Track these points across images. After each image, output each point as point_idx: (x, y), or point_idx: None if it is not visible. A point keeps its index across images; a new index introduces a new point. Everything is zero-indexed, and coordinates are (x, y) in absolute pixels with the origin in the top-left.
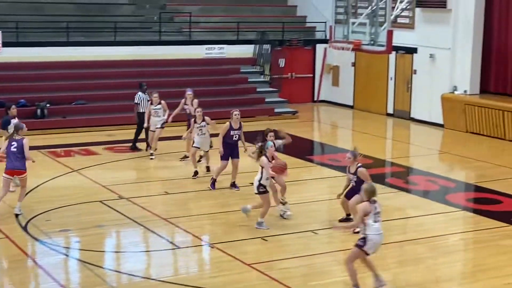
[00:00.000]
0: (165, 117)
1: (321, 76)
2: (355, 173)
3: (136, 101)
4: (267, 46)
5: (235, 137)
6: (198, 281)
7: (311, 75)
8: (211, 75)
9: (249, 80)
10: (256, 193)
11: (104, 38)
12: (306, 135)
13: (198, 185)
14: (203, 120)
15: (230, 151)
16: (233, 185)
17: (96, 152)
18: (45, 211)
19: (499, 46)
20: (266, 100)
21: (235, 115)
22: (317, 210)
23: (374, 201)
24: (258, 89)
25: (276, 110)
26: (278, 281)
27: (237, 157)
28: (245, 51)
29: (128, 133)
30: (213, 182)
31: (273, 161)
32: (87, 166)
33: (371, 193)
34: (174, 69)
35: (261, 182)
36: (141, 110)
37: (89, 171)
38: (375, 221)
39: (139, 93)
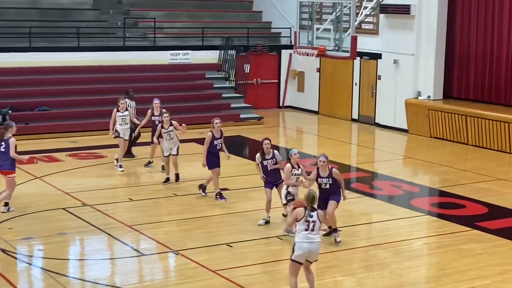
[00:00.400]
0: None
1: (286, 81)
2: (328, 176)
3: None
4: (232, 52)
5: (219, 146)
6: None
7: (277, 81)
8: (176, 81)
9: (214, 86)
10: (284, 203)
11: (67, 44)
12: (272, 141)
13: (163, 192)
14: (171, 124)
15: (217, 159)
16: (204, 188)
17: (59, 159)
18: (8, 219)
19: (462, 52)
20: (232, 105)
21: (217, 123)
22: (283, 216)
23: (312, 209)
24: (223, 95)
25: (241, 116)
26: (243, 287)
27: (219, 165)
28: (210, 56)
29: (92, 140)
30: (204, 187)
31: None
32: (50, 173)
33: (310, 200)
34: (138, 75)
35: (289, 190)
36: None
37: (52, 178)
38: (306, 229)
39: (126, 99)
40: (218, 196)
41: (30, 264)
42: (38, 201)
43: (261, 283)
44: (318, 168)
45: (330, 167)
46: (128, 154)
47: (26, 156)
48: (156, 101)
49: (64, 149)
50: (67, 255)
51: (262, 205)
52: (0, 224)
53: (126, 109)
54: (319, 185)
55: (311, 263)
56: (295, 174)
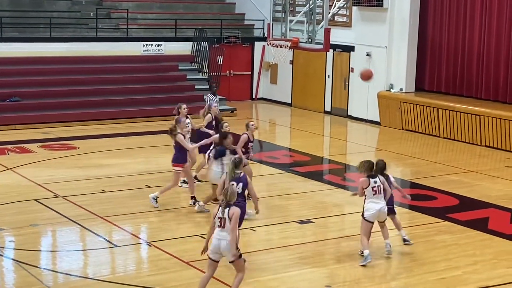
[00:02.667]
0: None
1: (259, 73)
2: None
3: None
4: (205, 44)
5: (250, 149)
6: (135, 279)
7: (249, 73)
8: (149, 72)
9: (187, 77)
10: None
11: (39, 34)
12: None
13: (135, 183)
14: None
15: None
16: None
17: (31, 150)
18: None
19: (434, 45)
20: (205, 97)
21: (252, 125)
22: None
23: (227, 204)
24: (196, 87)
25: None
26: (217, 279)
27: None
28: (183, 48)
29: (64, 131)
30: None
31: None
32: (22, 164)
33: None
34: (111, 66)
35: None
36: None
37: (24, 169)
38: (219, 226)
39: (209, 95)
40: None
41: (1, 255)
42: (10, 192)
43: (233, 275)
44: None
45: None
46: None
47: None
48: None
49: (36, 140)
50: (39, 247)
51: None
52: None
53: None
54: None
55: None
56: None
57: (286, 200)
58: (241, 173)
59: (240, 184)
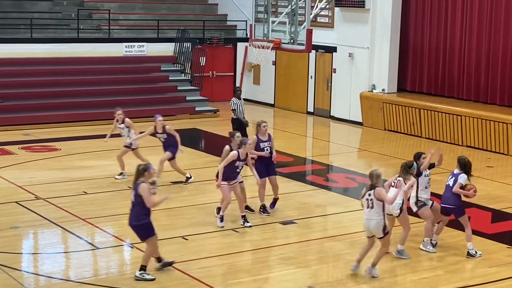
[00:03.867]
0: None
1: (242, 74)
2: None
3: (232, 107)
4: (187, 44)
5: (267, 149)
6: (118, 282)
7: (232, 74)
8: (131, 73)
9: (170, 78)
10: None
11: (20, 35)
12: (227, 133)
13: (117, 185)
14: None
15: (265, 167)
16: (264, 207)
17: (11, 152)
18: None
19: (416, 46)
20: (187, 98)
21: (263, 126)
22: (237, 209)
23: (372, 186)
24: (179, 88)
25: (197, 109)
26: (199, 280)
27: (274, 173)
28: (166, 49)
29: (45, 132)
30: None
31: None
32: (2, 166)
33: (374, 178)
34: (93, 67)
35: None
36: (238, 115)
37: (5, 171)
38: (367, 206)
39: (233, 99)
40: (261, 210)
41: None
42: None
43: (217, 276)
44: None
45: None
46: None
47: None
48: (159, 118)
49: (17, 141)
50: (20, 249)
51: (218, 198)
52: None
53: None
54: None
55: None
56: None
57: (269, 201)
58: (140, 182)
59: (133, 192)
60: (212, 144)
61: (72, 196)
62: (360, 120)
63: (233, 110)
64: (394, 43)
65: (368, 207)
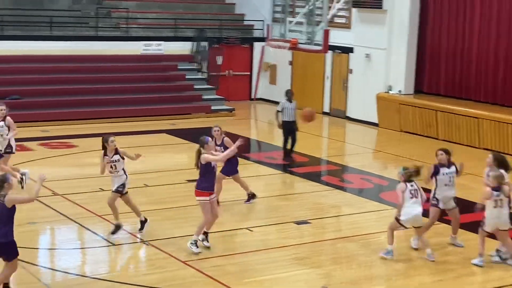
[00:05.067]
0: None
1: (258, 74)
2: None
3: (278, 109)
4: (204, 44)
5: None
6: (133, 278)
7: (249, 73)
8: (149, 71)
9: (186, 77)
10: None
11: (40, 33)
12: (242, 132)
13: (134, 182)
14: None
15: (230, 166)
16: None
17: (30, 148)
18: None
19: (433, 47)
20: (203, 97)
21: (216, 131)
22: (252, 208)
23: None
24: (195, 86)
25: (213, 108)
26: (213, 278)
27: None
28: (183, 48)
29: (63, 129)
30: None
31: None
32: (21, 162)
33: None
34: (111, 65)
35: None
36: (285, 119)
37: (23, 167)
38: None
39: (283, 100)
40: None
41: None
42: None
43: (231, 274)
44: None
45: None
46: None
47: None
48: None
49: (35, 138)
50: (37, 244)
51: (233, 196)
52: None
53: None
54: None
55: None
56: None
57: (283, 200)
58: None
59: None
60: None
61: (88, 192)
62: (376, 121)
63: (278, 111)
64: (412, 44)
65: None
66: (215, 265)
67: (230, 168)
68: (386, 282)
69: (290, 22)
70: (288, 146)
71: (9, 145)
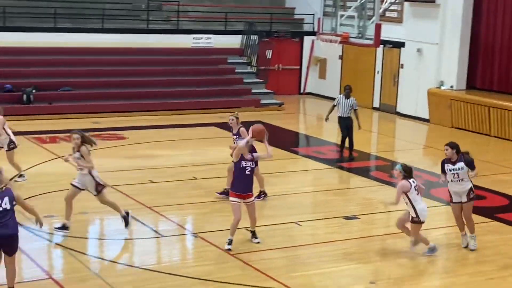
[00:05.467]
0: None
1: (308, 68)
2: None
3: (334, 102)
4: (254, 37)
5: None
6: (180, 269)
7: (298, 67)
8: (198, 64)
9: (236, 70)
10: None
11: (91, 25)
12: (291, 127)
13: (183, 175)
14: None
15: None
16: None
17: None
18: (30, 197)
19: (487, 43)
20: (253, 91)
21: (231, 120)
22: (301, 202)
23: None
24: (245, 80)
25: (262, 101)
26: (261, 272)
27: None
28: (233, 41)
29: (114, 121)
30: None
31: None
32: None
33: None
34: (161, 58)
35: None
36: (339, 114)
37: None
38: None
39: (340, 95)
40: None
41: (50, 241)
42: (60, 180)
43: (279, 268)
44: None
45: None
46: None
47: None
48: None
49: (86, 129)
50: (87, 234)
51: (282, 190)
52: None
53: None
54: None
55: None
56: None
57: (332, 195)
58: (4, 186)
59: (6, 198)
60: (276, 137)
61: (138, 184)
62: (427, 117)
63: (333, 105)
64: (465, 39)
65: None
66: (263, 259)
67: None
68: (435, 279)
69: (341, 16)
70: (346, 144)
71: (11, 141)
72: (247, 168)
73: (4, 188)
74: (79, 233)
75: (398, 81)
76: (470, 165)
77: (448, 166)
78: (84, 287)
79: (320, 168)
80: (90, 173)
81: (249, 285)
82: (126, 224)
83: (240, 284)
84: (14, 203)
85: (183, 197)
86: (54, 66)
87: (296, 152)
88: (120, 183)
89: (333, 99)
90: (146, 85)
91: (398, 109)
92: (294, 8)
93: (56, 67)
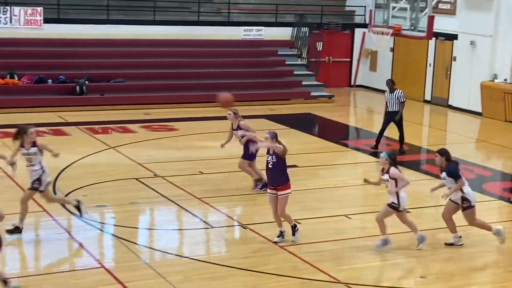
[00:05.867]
0: None
1: (358, 60)
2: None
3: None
4: (305, 29)
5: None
6: (229, 260)
7: (349, 60)
8: (248, 56)
9: (286, 63)
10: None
11: (143, 17)
12: (341, 119)
13: (233, 166)
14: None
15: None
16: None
17: (132, 130)
18: (81, 187)
19: None
20: (303, 83)
21: (228, 115)
22: (351, 195)
23: None
24: (295, 72)
25: (312, 94)
26: (310, 264)
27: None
28: (283, 33)
29: (164, 112)
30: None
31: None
32: (124, 143)
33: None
34: (211, 50)
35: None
36: (389, 109)
37: (126, 149)
38: None
39: (386, 92)
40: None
41: (102, 231)
42: (112, 171)
43: (328, 260)
44: None
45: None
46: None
47: None
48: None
49: (138, 120)
50: (138, 224)
51: (331, 183)
52: (75, 191)
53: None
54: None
55: None
56: None
57: (381, 188)
58: None
59: None
60: (326, 130)
61: (188, 175)
62: (480, 110)
63: (386, 103)
64: None
65: None
66: (312, 251)
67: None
68: (487, 275)
69: (393, 8)
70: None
71: None
72: (268, 162)
73: None
74: (130, 222)
75: (450, 74)
76: (452, 175)
77: (443, 174)
78: (135, 276)
79: (369, 161)
80: (42, 167)
81: (298, 277)
82: (81, 213)
83: (289, 276)
84: None
85: (232, 189)
86: (106, 58)
87: (345, 145)
88: (170, 173)
89: (383, 91)
90: (196, 77)
91: (450, 102)
92: (344, 0)
93: (109, 58)
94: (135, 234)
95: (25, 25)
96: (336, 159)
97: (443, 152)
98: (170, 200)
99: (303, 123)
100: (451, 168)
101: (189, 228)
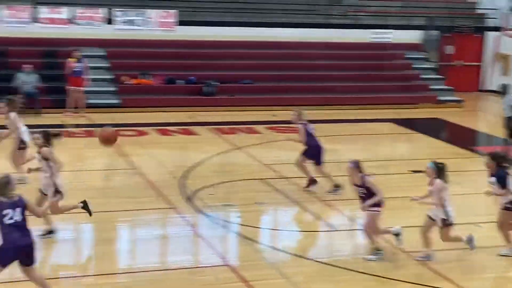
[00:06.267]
0: None
1: (490, 65)
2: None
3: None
4: (435, 32)
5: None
6: (354, 264)
7: (479, 64)
8: (375, 59)
9: (413, 66)
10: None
11: (273, 19)
12: (470, 125)
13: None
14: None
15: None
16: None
17: (258, 131)
18: (210, 185)
19: None
20: (431, 87)
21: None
22: (481, 203)
23: None
24: (422, 76)
25: (439, 98)
26: (438, 273)
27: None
28: (411, 36)
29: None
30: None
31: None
32: (250, 144)
33: None
34: (339, 53)
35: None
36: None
37: (251, 149)
38: None
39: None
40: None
41: (227, 229)
42: (238, 170)
43: (455, 270)
44: None
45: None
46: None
47: None
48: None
49: (264, 121)
50: (262, 224)
51: (461, 190)
52: (203, 190)
53: None
54: None
55: None
56: None
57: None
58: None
59: (18, 210)
60: (455, 135)
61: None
62: None
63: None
64: None
65: None
66: (439, 259)
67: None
68: None
69: None
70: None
71: (21, 141)
72: (360, 193)
73: (15, 196)
74: (254, 222)
75: None
76: (500, 181)
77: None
78: (259, 275)
79: None
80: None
81: (425, 285)
82: (89, 213)
83: (415, 284)
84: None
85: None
86: (236, 59)
87: (475, 151)
88: (295, 175)
89: None
90: (323, 80)
91: None
92: (475, 2)
93: (238, 60)
94: (258, 234)
95: (159, 27)
96: (465, 166)
97: (495, 156)
98: (294, 201)
99: (431, 128)
100: (500, 174)
101: (313, 230)
